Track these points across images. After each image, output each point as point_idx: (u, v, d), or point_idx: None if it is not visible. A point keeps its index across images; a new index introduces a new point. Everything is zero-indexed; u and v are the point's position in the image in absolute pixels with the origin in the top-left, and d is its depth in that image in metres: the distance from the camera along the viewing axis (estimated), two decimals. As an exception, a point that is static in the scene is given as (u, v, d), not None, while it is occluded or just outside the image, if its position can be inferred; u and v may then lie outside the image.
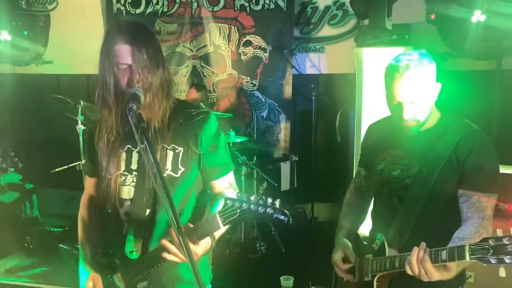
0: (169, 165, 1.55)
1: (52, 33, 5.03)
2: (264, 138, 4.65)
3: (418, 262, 1.43)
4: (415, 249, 1.45)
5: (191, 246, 1.40)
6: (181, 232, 1.27)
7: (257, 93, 4.70)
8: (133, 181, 1.58)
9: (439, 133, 1.65)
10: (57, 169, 3.63)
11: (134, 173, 1.58)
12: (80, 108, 3.61)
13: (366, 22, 3.99)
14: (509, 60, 3.75)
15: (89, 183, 1.78)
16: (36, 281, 3.56)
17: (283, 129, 4.69)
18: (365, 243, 1.84)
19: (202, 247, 1.46)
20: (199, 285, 1.25)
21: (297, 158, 4.31)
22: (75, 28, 4.92)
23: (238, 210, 1.32)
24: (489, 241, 1.28)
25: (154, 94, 1.50)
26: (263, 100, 4.70)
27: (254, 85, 4.68)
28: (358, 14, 3.43)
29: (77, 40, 4.90)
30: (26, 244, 4.05)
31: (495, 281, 2.68)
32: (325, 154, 4.55)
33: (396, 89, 1.57)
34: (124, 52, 1.45)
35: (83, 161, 3.68)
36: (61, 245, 2.98)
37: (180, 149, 1.56)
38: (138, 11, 4.76)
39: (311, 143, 4.41)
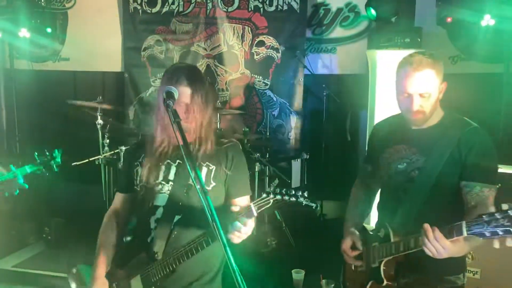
0: (202, 180, 1.72)
1: (69, 30, 5.16)
2: (275, 136, 4.75)
3: (435, 240, 1.53)
4: (426, 230, 1.55)
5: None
6: (218, 230, 1.38)
7: (269, 92, 4.80)
8: (168, 190, 1.78)
9: (442, 129, 1.81)
10: (77, 163, 3.74)
11: (171, 182, 1.78)
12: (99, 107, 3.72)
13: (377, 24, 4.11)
14: (518, 63, 3.84)
15: (119, 199, 1.94)
16: (55, 270, 3.68)
17: (294, 127, 4.79)
18: (371, 233, 1.98)
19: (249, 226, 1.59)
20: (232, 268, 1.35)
21: (308, 156, 4.41)
22: (92, 26, 5.06)
23: (271, 200, 1.49)
24: (483, 216, 1.40)
25: (202, 127, 1.76)
26: (275, 99, 4.80)
27: (266, 84, 4.79)
28: (382, 14, 3.48)
29: (94, 38, 5.05)
30: (44, 235, 4.18)
31: (500, 277, 2.76)
32: (335, 153, 4.65)
33: (408, 82, 1.73)
34: (185, 93, 1.70)
35: (103, 156, 3.82)
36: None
37: (213, 167, 1.78)
38: (154, 10, 4.87)
39: (321, 141, 4.51)
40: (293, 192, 1.48)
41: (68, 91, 5.21)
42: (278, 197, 1.48)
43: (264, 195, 1.50)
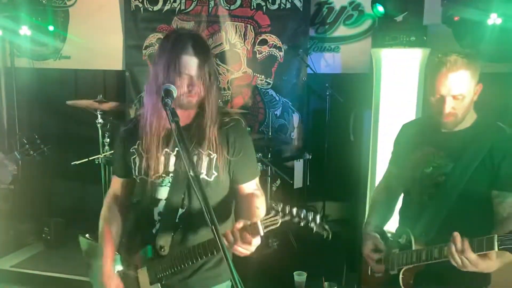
0: (203, 169, 1.64)
1: (70, 28, 5.10)
2: (277, 136, 4.70)
3: (459, 252, 1.46)
4: (455, 239, 1.48)
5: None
6: (217, 229, 1.32)
7: (271, 92, 4.75)
8: (169, 182, 1.67)
9: (474, 134, 1.72)
10: (77, 162, 3.70)
11: (171, 174, 1.67)
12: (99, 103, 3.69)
13: (382, 23, 4.04)
14: (525, 63, 3.78)
15: (117, 183, 1.83)
16: (54, 271, 3.65)
17: (296, 127, 4.73)
18: (391, 238, 1.92)
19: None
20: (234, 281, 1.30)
21: (310, 156, 4.35)
22: (93, 24, 5.00)
23: (280, 221, 1.41)
24: None
25: (209, 105, 1.62)
26: (277, 98, 4.75)
27: (269, 83, 4.73)
28: (390, 11, 3.41)
29: (95, 36, 5.00)
30: (44, 235, 4.14)
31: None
32: (338, 153, 4.58)
33: (441, 83, 1.65)
34: (191, 63, 1.54)
35: (103, 155, 3.77)
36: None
37: (214, 155, 1.65)
38: (155, 8, 4.82)
39: (324, 141, 4.46)
40: (304, 215, 1.39)
41: (69, 89, 5.17)
42: (287, 218, 1.40)
43: (273, 213, 1.41)
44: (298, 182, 4.36)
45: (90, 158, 3.74)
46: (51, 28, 4.83)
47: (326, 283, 3.12)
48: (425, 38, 3.22)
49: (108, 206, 1.81)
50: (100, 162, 3.78)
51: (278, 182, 4.24)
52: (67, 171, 4.20)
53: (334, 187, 4.53)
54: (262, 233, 1.42)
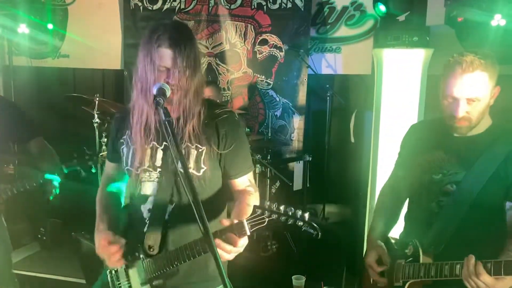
0: (192, 164, 1.57)
1: (69, 27, 5.06)
2: (277, 137, 4.65)
3: (474, 275, 1.39)
4: (468, 262, 1.42)
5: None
6: (206, 228, 1.28)
7: (272, 92, 4.69)
8: (157, 177, 1.60)
9: (488, 140, 1.62)
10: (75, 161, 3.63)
11: (158, 169, 1.60)
12: (97, 102, 3.64)
13: (384, 23, 3.99)
14: (529, 65, 3.72)
15: (110, 166, 1.81)
16: (49, 272, 3.60)
17: (297, 128, 4.68)
18: (396, 247, 1.82)
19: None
20: (223, 282, 1.26)
21: (310, 158, 4.30)
22: (92, 23, 4.97)
23: (267, 219, 1.35)
24: None
25: (188, 97, 1.54)
26: (277, 99, 4.70)
27: (269, 84, 4.68)
28: (393, 10, 3.36)
29: (94, 35, 4.96)
30: (39, 236, 4.09)
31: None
32: (338, 155, 4.54)
33: (455, 84, 1.55)
34: (166, 56, 1.48)
35: (103, 152, 3.72)
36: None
37: (203, 149, 1.58)
38: (155, 7, 4.78)
39: (324, 143, 4.40)
40: (292, 212, 1.32)
41: (67, 88, 5.13)
42: (274, 216, 1.33)
43: (259, 212, 1.35)
44: (297, 184, 4.31)
45: (87, 158, 3.67)
46: (50, 26, 4.79)
47: (325, 288, 3.07)
48: (428, 38, 3.16)
49: (103, 188, 1.80)
50: (97, 162, 3.72)
51: (278, 184, 4.19)
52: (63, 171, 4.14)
53: (334, 189, 4.47)
54: (248, 233, 1.37)
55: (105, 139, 3.83)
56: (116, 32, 4.93)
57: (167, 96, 1.46)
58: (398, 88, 3.20)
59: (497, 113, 1.72)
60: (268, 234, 4.08)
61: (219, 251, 1.38)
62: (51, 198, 2.56)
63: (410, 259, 1.69)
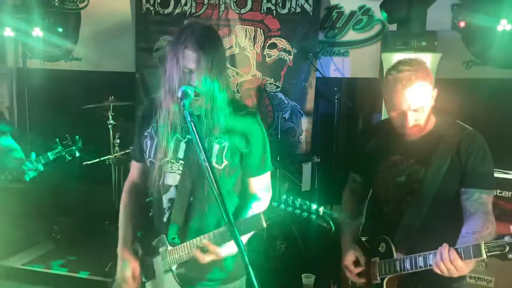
0: (214, 157, 1.64)
1: (82, 30, 5.17)
2: (286, 139, 4.72)
3: (448, 262, 1.49)
4: (443, 249, 1.51)
5: (213, 247, 1.52)
6: (229, 219, 1.34)
7: (280, 95, 4.78)
8: (178, 169, 1.67)
9: (438, 136, 1.73)
10: (88, 162, 3.74)
11: (181, 161, 1.67)
12: (111, 104, 3.73)
13: (392, 27, 4.08)
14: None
15: (134, 169, 1.87)
16: (63, 269, 3.70)
17: (305, 130, 4.76)
18: (368, 246, 1.90)
19: (227, 250, 1.55)
20: (247, 272, 1.32)
21: (319, 160, 4.37)
22: (105, 27, 5.08)
23: (282, 213, 1.40)
24: (505, 237, 1.37)
25: (211, 97, 1.60)
26: (286, 101, 4.78)
27: (278, 86, 4.77)
28: (388, 19, 3.47)
29: (106, 38, 5.07)
30: (53, 234, 4.19)
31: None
32: (346, 157, 4.61)
33: (399, 100, 1.64)
34: (190, 58, 1.54)
35: (114, 156, 3.82)
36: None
37: (226, 143, 1.65)
38: (166, 11, 4.87)
39: (332, 145, 4.47)
40: (307, 206, 1.36)
41: (80, 90, 5.22)
42: (289, 209, 1.37)
43: (275, 204, 1.40)
44: (306, 185, 4.38)
45: (101, 159, 3.78)
46: (60, 30, 4.89)
47: (334, 286, 3.13)
48: (436, 43, 3.23)
49: (126, 192, 1.86)
50: (110, 162, 3.82)
51: (287, 184, 4.26)
52: (77, 171, 4.24)
53: (342, 190, 4.53)
54: (265, 225, 1.44)
55: (118, 140, 3.92)
56: (128, 35, 5.03)
57: (192, 97, 1.54)
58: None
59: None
60: (277, 234, 4.16)
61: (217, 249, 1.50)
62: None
63: (384, 256, 1.77)
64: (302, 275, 3.37)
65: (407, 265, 1.65)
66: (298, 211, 1.37)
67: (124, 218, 1.82)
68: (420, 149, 1.74)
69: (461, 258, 1.47)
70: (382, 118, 3.42)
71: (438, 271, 1.53)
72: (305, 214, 1.37)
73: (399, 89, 1.63)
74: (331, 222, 1.36)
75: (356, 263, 1.87)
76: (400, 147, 1.79)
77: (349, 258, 1.88)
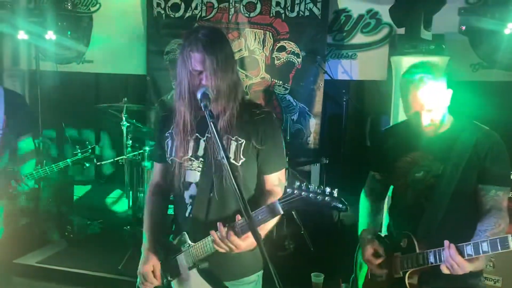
0: (232, 154, 1.71)
1: (94, 33, 5.26)
2: (294, 140, 4.78)
3: (449, 258, 1.58)
4: (445, 246, 1.61)
5: (236, 240, 1.56)
6: (248, 213, 1.41)
7: (289, 97, 4.84)
8: (199, 166, 1.74)
9: (455, 134, 1.81)
10: (102, 162, 3.82)
11: (201, 159, 1.74)
12: (125, 105, 3.80)
13: (400, 31, 4.13)
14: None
15: (157, 169, 1.94)
16: (76, 267, 3.77)
17: (313, 132, 4.81)
18: (389, 242, 1.96)
19: (245, 243, 1.59)
20: (266, 266, 1.38)
21: (327, 161, 4.42)
22: (116, 30, 5.16)
23: (298, 198, 1.42)
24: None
25: (222, 96, 1.67)
26: (294, 103, 4.83)
27: (286, 89, 4.83)
28: (397, 23, 3.52)
29: (117, 41, 5.15)
30: (66, 233, 4.27)
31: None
32: (354, 158, 4.66)
33: (413, 100, 1.75)
34: (197, 59, 1.62)
35: (126, 156, 3.89)
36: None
37: (243, 141, 1.71)
38: (177, 15, 4.96)
39: (340, 147, 4.53)
40: (321, 189, 1.38)
41: (91, 92, 5.31)
42: (304, 194, 1.39)
43: (289, 191, 1.42)
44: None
45: (114, 159, 3.85)
46: (69, 33, 4.99)
47: (343, 285, 3.19)
48: (444, 46, 3.29)
49: (151, 192, 1.93)
50: (123, 163, 3.90)
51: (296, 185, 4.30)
52: (91, 171, 4.33)
53: (350, 191, 4.57)
54: (282, 212, 1.47)
55: (130, 142, 3.99)
56: (139, 38, 5.11)
57: (211, 99, 1.60)
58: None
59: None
60: (285, 233, 4.21)
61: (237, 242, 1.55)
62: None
63: (407, 250, 1.83)
64: (312, 274, 3.42)
65: (431, 259, 1.71)
66: (312, 195, 1.39)
67: (149, 218, 1.89)
68: (439, 146, 1.82)
69: (462, 255, 1.56)
70: (391, 121, 3.48)
71: (445, 270, 1.61)
72: (320, 197, 1.38)
73: (412, 91, 1.73)
74: (345, 203, 1.38)
75: (376, 255, 1.93)
76: (419, 144, 1.87)
77: (368, 251, 1.94)
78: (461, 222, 1.78)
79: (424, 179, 1.84)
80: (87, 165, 2.84)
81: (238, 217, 1.57)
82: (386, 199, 2.20)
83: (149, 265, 1.80)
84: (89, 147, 2.78)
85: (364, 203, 2.15)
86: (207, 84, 1.62)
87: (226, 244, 1.58)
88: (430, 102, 1.73)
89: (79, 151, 2.79)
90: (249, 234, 1.54)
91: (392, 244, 1.93)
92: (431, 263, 1.71)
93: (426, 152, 1.85)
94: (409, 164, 1.89)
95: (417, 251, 1.78)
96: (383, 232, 2.14)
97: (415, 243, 1.79)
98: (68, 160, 2.78)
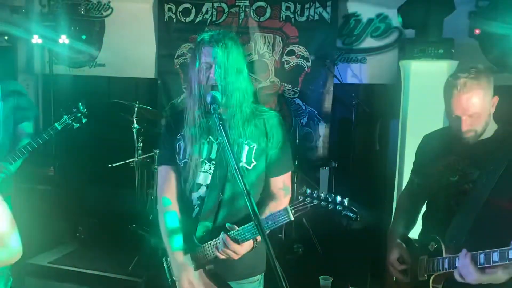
0: (244, 158, 1.75)
1: (106, 38, 5.34)
2: (303, 144, 4.80)
3: (462, 266, 1.57)
4: (461, 255, 1.60)
5: (235, 246, 1.61)
6: (257, 217, 1.43)
7: (298, 101, 4.86)
8: (210, 169, 1.77)
9: (497, 143, 1.78)
10: (114, 164, 3.87)
11: (213, 162, 1.77)
12: (136, 108, 3.86)
13: (409, 35, 4.13)
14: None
15: (166, 172, 1.90)
16: (87, 267, 3.82)
17: (322, 136, 4.82)
18: (417, 245, 1.95)
19: (244, 247, 1.64)
20: (274, 268, 1.40)
21: (336, 165, 4.43)
22: (128, 34, 5.24)
23: (309, 206, 1.46)
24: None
25: (235, 99, 1.71)
26: (303, 107, 4.86)
27: (295, 92, 4.85)
28: (405, 23, 3.51)
29: (129, 46, 5.22)
30: (78, 234, 4.33)
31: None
32: (363, 162, 4.66)
33: (455, 104, 1.73)
34: (208, 52, 1.68)
35: (137, 159, 3.94)
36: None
37: (254, 145, 1.75)
38: (188, 19, 5.02)
39: (350, 150, 4.53)
40: (332, 198, 1.42)
41: (103, 96, 5.37)
42: (316, 202, 1.44)
43: (301, 198, 1.46)
44: (323, 190, 4.43)
45: (126, 161, 3.91)
46: (84, 37, 5.07)
47: (351, 288, 3.19)
48: (453, 50, 3.29)
49: (162, 199, 1.91)
50: (134, 165, 3.95)
51: (304, 188, 4.32)
52: (101, 173, 4.38)
53: (359, 195, 4.58)
54: (292, 218, 1.50)
55: (141, 144, 4.04)
56: (151, 42, 5.18)
57: (220, 102, 1.63)
58: (424, 98, 3.33)
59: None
60: (294, 237, 4.22)
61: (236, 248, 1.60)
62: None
63: (434, 254, 1.81)
64: (320, 277, 3.42)
65: (457, 262, 1.68)
66: (323, 203, 1.43)
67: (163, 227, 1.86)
68: (477, 152, 1.79)
69: (475, 264, 1.53)
70: (400, 125, 3.48)
71: (456, 275, 1.60)
72: (331, 206, 1.43)
73: (455, 95, 1.72)
74: (356, 212, 1.42)
75: (400, 260, 1.93)
76: (457, 149, 1.85)
77: (393, 255, 1.94)
78: (493, 231, 1.73)
79: (458, 184, 1.82)
80: (77, 125, 2.87)
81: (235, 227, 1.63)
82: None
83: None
84: (73, 107, 2.80)
85: (400, 204, 2.16)
86: (218, 78, 1.65)
87: (226, 252, 1.65)
88: (472, 107, 1.70)
89: (64, 114, 2.81)
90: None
91: (419, 248, 1.92)
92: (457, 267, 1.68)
93: (464, 156, 1.83)
94: (445, 167, 1.87)
95: (444, 255, 1.76)
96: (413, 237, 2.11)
97: (443, 247, 1.78)
98: (56, 124, 2.78)
